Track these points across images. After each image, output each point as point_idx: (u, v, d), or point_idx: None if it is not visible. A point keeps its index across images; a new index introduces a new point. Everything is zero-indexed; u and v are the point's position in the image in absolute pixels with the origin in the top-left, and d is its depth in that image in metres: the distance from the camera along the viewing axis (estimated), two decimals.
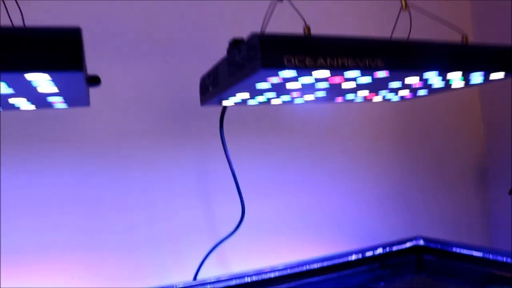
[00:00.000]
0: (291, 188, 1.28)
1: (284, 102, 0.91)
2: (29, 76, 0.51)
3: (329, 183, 1.31)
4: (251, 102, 0.88)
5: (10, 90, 0.59)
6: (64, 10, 1.04)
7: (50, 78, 0.52)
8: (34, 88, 0.59)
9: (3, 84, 0.55)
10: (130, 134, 1.11)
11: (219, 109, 1.13)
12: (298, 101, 0.92)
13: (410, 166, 1.44)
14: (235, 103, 0.87)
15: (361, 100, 0.98)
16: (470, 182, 1.56)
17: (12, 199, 1.01)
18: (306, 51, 0.62)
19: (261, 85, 0.71)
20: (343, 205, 1.32)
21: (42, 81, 0.55)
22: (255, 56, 0.61)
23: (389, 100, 1.00)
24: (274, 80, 0.68)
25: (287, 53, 0.61)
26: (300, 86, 0.74)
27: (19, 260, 1.02)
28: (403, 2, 0.88)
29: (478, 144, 1.59)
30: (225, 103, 0.87)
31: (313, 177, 1.30)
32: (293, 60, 0.61)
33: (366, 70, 0.66)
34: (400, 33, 0.90)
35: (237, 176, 1.13)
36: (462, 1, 1.61)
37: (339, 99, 0.95)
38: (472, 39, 1.37)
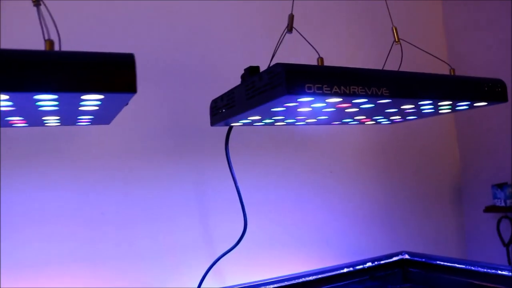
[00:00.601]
0: (281, 206, 1.34)
1: (287, 123, 0.98)
2: (85, 96, 0.56)
3: (317, 201, 1.39)
4: (258, 123, 0.95)
5: (55, 108, 0.63)
6: (73, 36, 1.09)
7: (102, 98, 0.57)
8: (76, 107, 0.64)
9: (54, 103, 0.59)
10: (134, 153, 1.16)
11: (219, 131, 1.20)
12: (299, 123, 0.99)
13: (391, 186, 1.54)
14: (243, 123, 0.94)
15: (356, 123, 1.06)
16: (446, 201, 1.67)
17: (20, 212, 1.04)
18: (324, 80, 0.69)
19: (276, 109, 0.78)
20: (330, 222, 1.39)
21: (92, 102, 0.60)
22: (279, 83, 0.68)
23: (380, 123, 1.09)
24: (290, 104, 0.75)
25: (308, 81, 0.68)
26: (309, 110, 0.82)
27: (23, 271, 1.03)
28: (396, 36, 0.98)
29: (453, 165, 1.71)
30: (234, 123, 0.93)
31: (302, 195, 1.37)
32: (313, 88, 0.68)
33: (372, 97, 0.74)
34: (392, 63, 0.99)
35: (230, 195, 1.20)
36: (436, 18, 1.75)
37: (336, 122, 1.03)
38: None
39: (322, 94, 0.69)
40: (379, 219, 1.49)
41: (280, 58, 0.85)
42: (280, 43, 0.89)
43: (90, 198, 1.11)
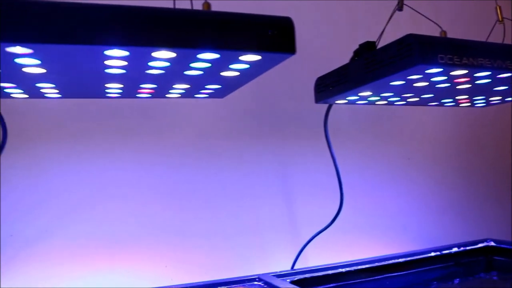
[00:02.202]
0: (359, 192, 1.34)
1: (389, 102, 0.99)
2: (244, 57, 0.58)
3: (395, 188, 1.38)
4: (361, 101, 0.95)
5: (199, 72, 0.65)
6: None
7: (258, 59, 0.59)
8: (218, 72, 0.66)
9: (206, 65, 0.61)
10: (223, 133, 1.18)
11: (304, 112, 1.22)
12: (400, 102, 1.00)
13: (467, 175, 1.52)
14: (348, 101, 0.95)
15: (452, 105, 1.06)
16: None
17: (111, 189, 1.07)
18: (454, 50, 0.70)
19: (395, 82, 0.79)
20: (408, 209, 1.39)
21: (242, 65, 0.62)
22: (411, 53, 0.68)
23: (474, 105, 1.09)
24: (414, 77, 0.75)
25: (440, 51, 0.69)
26: (423, 85, 0.82)
27: (116, 249, 1.06)
28: (499, 15, 0.97)
29: None
30: (339, 101, 0.94)
31: (380, 181, 1.37)
32: (444, 58, 0.69)
33: (496, 70, 0.75)
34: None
35: (311, 179, 1.22)
36: None
37: (434, 103, 1.03)
38: None
39: (452, 64, 0.70)
40: (455, 207, 1.47)
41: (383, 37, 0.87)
42: (389, 21, 0.89)
43: (180, 175, 1.13)
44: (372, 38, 0.89)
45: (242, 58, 0.59)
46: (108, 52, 0.54)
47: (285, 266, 1.14)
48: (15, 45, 0.51)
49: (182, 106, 1.14)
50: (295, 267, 1.08)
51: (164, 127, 1.13)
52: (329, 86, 0.89)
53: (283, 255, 1.20)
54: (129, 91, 0.77)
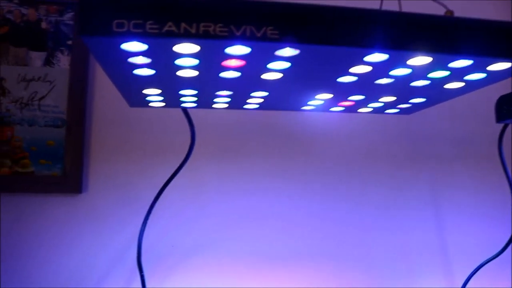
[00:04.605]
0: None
1: None
2: (492, 66, 0.58)
3: None
4: None
5: (426, 82, 0.65)
6: None
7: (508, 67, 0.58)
8: (443, 85, 0.66)
9: (444, 74, 0.61)
10: (373, 156, 1.17)
11: (451, 134, 1.19)
12: None
13: None
14: None
15: None
16: None
17: (263, 210, 1.09)
18: None
19: None
20: None
21: (478, 75, 0.61)
22: None
23: None
24: None
25: None
26: None
27: (261, 269, 1.07)
28: None
29: None
30: None
31: None
32: None
33: None
34: None
35: (466, 204, 1.17)
36: None
37: None
38: None
39: None
40: None
41: None
42: None
43: (327, 199, 1.14)
44: None
45: (489, 67, 0.58)
46: (367, 58, 0.55)
47: None
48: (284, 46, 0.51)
49: (340, 126, 1.16)
50: None
51: (310, 149, 1.15)
52: None
53: (434, 279, 1.16)
54: (331, 103, 0.78)
